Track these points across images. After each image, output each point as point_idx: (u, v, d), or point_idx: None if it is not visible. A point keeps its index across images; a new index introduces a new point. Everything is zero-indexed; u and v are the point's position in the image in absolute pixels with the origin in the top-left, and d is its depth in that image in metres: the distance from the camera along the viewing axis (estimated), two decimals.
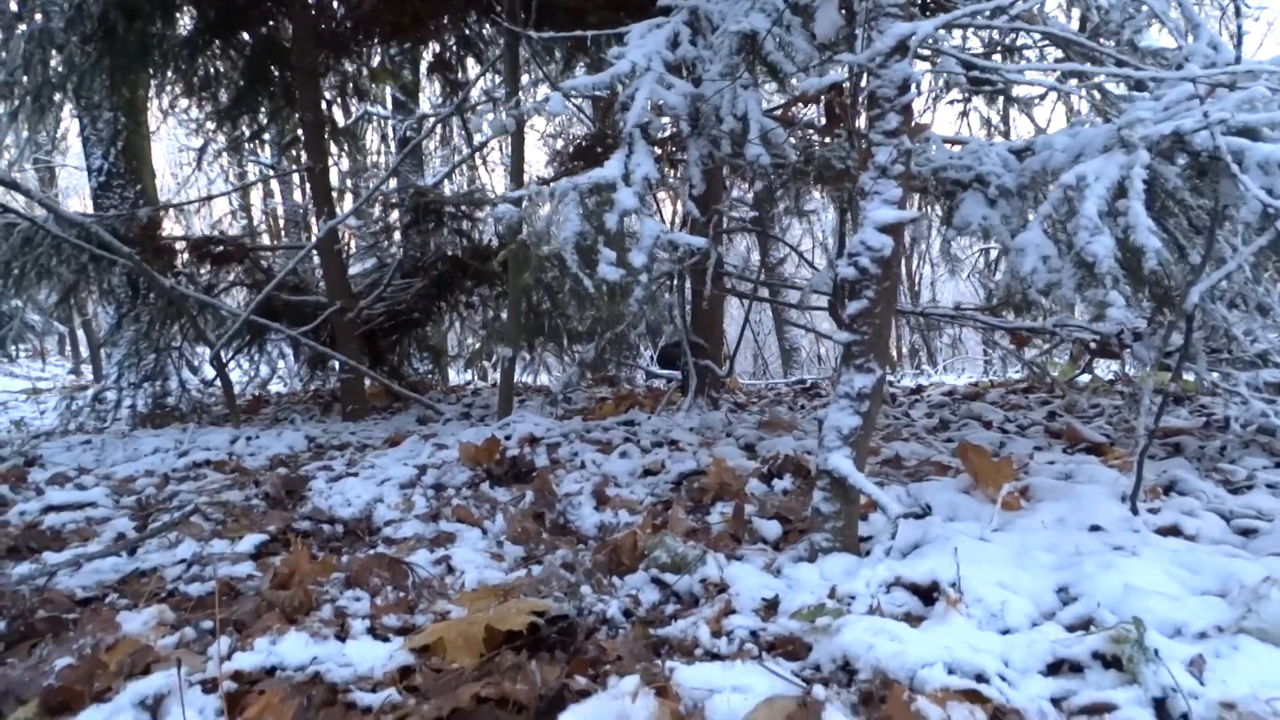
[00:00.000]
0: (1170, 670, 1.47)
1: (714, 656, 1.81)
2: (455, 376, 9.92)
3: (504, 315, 6.53)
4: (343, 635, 1.97)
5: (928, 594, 1.96)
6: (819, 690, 1.58)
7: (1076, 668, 1.59)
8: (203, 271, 6.31)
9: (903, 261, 13.89)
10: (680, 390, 5.36)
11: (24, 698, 1.58)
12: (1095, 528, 2.26)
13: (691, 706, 1.50)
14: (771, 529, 2.65)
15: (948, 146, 3.19)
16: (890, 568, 2.05)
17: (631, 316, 4.60)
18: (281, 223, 15.46)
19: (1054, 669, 1.60)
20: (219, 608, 2.11)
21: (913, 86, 2.12)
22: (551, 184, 2.93)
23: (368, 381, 6.11)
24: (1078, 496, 2.51)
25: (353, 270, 7.05)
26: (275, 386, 7.93)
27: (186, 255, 6.21)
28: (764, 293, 9.56)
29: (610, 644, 1.92)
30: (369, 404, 6.09)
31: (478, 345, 8.20)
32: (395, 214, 7.35)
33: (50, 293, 5.75)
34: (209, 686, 1.61)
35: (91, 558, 2.52)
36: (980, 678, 1.56)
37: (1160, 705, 1.42)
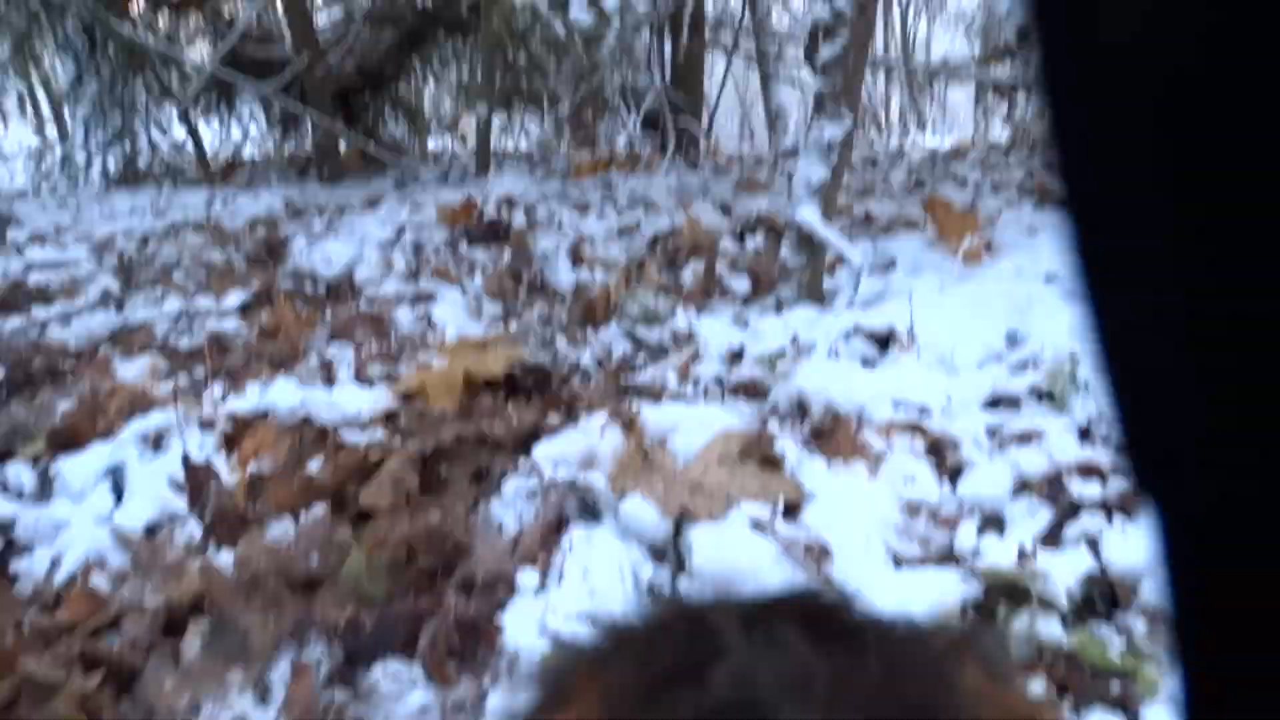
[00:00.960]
0: (1097, 400, 1.58)
1: (680, 400, 1.92)
2: (433, 144, 9.66)
3: (479, 76, 6.31)
4: (330, 382, 2.07)
5: (884, 341, 2.05)
6: (774, 425, 1.70)
7: (1014, 402, 1.70)
8: (160, 21, 5.97)
9: (897, 16, 13.17)
10: (659, 151, 5.28)
11: (32, 435, 1.69)
12: (1051, 277, 2.33)
13: (655, 441, 1.61)
14: (741, 284, 2.71)
15: None
16: (851, 317, 2.14)
17: (606, 67, 4.41)
18: None
19: (994, 404, 1.72)
20: (210, 358, 2.20)
21: None
22: None
23: (344, 144, 5.96)
24: (1039, 249, 2.57)
25: (320, 23, 6.67)
26: (249, 152, 7.73)
27: (142, 2, 5.85)
28: (749, 50, 9.17)
29: (583, 389, 2.03)
30: (345, 167, 5.97)
31: (454, 106, 7.93)
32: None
33: (1, 43, 5.46)
34: (206, 424, 1.71)
35: (81, 312, 2.58)
36: (923, 412, 1.68)
37: (1085, 432, 1.55)
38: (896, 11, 13.53)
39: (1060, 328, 1.93)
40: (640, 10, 4.04)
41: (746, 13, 4.90)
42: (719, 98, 5.32)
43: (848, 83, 2.14)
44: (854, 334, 2.07)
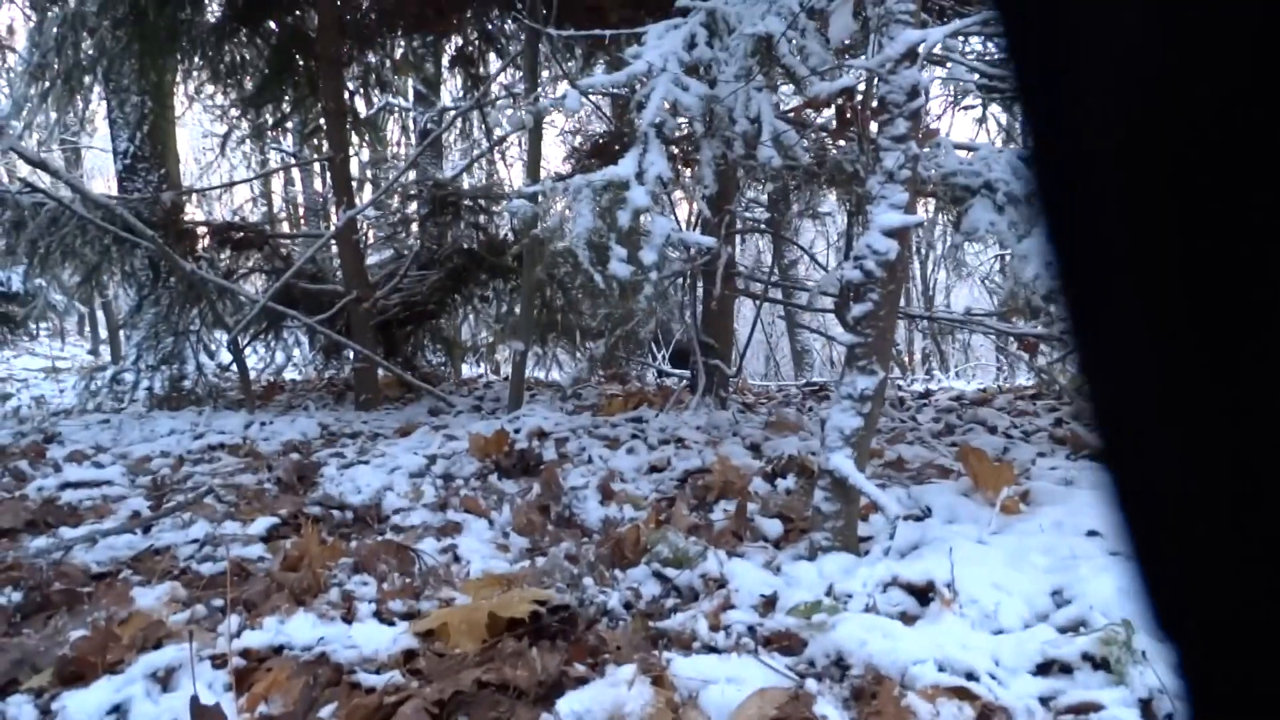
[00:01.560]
0: (1157, 672, 1.48)
1: (711, 650, 1.84)
2: (468, 370, 9.97)
3: (517, 309, 6.57)
4: (349, 618, 2.01)
5: (923, 594, 1.98)
6: (811, 684, 1.61)
7: (1066, 668, 1.61)
8: (222, 257, 6.37)
9: (916, 266, 13.79)
10: (689, 389, 5.39)
11: (39, 666, 1.63)
12: (1093, 533, 2.27)
13: (686, 696, 1.52)
14: (773, 527, 2.67)
15: (959, 153, 3.21)
16: (888, 567, 2.08)
17: (642, 313, 4.61)
18: (301, 211, 15.55)
19: (1044, 669, 1.62)
20: (230, 587, 2.15)
21: (921, 93, 2.13)
22: (566, 180, 2.96)
23: (381, 372, 6.16)
24: (1077, 502, 2.52)
25: (370, 260, 7.09)
26: (290, 374, 8.00)
27: (207, 240, 6.27)
28: (775, 294, 9.54)
29: (610, 634, 1.95)
30: (382, 394, 6.14)
31: (491, 339, 8.24)
32: (413, 206, 7.39)
33: (73, 273, 5.82)
34: (219, 662, 1.65)
35: (107, 534, 2.57)
36: (970, 676, 1.58)
37: (1146, 706, 1.44)
38: (916, 264, 14.20)
39: (1107, 588, 1.86)
40: (676, 264, 4.31)
41: (775, 267, 5.19)
42: (749, 340, 5.49)
43: (879, 338, 2.20)
44: (892, 585, 2.00)
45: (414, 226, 7.28)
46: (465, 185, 8.71)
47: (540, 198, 3.06)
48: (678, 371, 7.35)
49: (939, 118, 6.41)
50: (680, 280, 5.12)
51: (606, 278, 2.85)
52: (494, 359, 9.52)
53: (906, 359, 14.82)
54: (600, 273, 2.82)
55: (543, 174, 5.62)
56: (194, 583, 2.25)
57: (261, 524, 2.72)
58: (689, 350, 5.34)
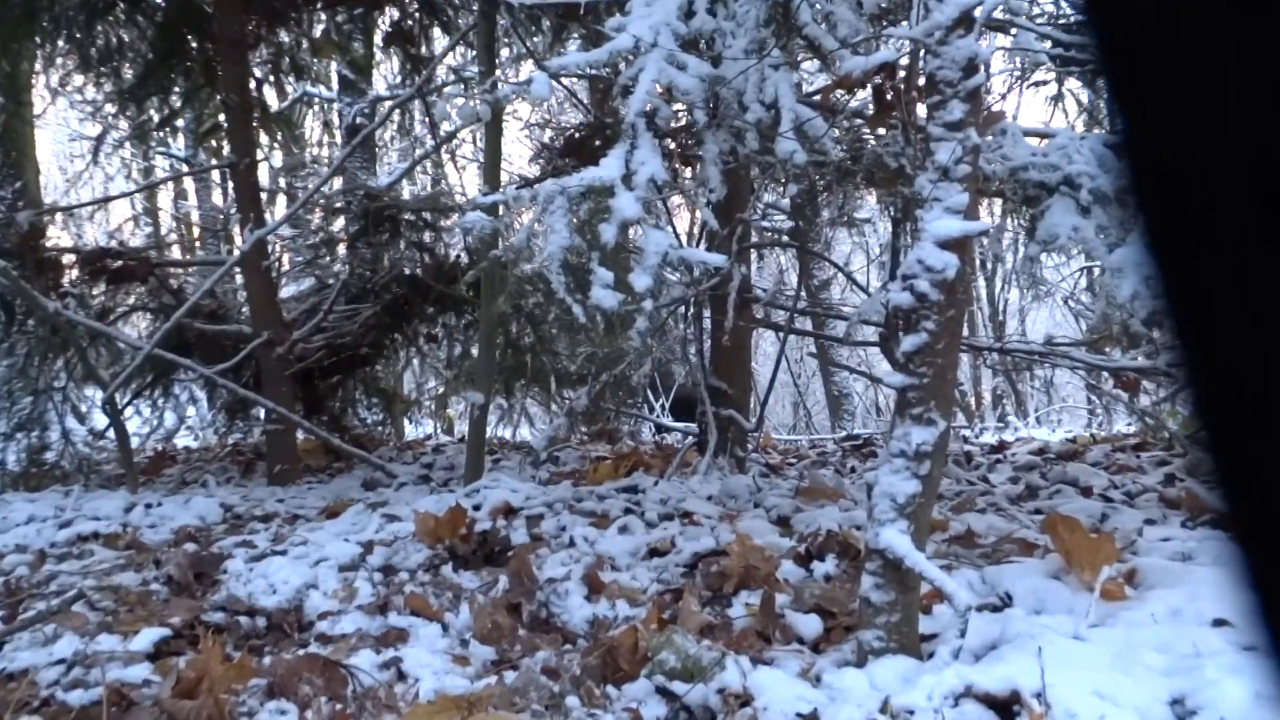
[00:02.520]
0: None
1: None
2: (412, 429, 9.98)
3: (474, 351, 6.57)
4: None
5: (1006, 707, 1.97)
6: None
7: None
8: (96, 292, 6.37)
9: (981, 284, 13.89)
10: (696, 448, 5.38)
11: None
12: (1220, 622, 2.27)
13: None
14: (810, 625, 2.65)
15: (1030, 141, 3.24)
16: (959, 674, 2.06)
17: (634, 353, 4.62)
18: (196, 233, 15.62)
19: None
20: None
21: (980, 67, 2.16)
22: (535, 186, 2.99)
23: (301, 435, 6.14)
24: (1198, 583, 2.52)
25: (285, 293, 7.11)
26: (184, 440, 7.98)
27: (76, 271, 6.28)
28: (804, 324, 9.57)
29: None
30: (302, 464, 6.12)
31: (441, 389, 8.24)
32: (340, 222, 7.44)
33: None
34: None
35: None
36: None
37: None
38: (981, 282, 14.31)
39: (1240, 694, 1.85)
40: (676, 289, 4.32)
41: (802, 289, 5.23)
42: (771, 383, 5.51)
43: (937, 378, 2.21)
44: (965, 697, 1.99)
45: (341, 249, 7.32)
46: (405, 195, 8.79)
47: (501, 209, 3.09)
48: (681, 426, 7.35)
49: (1003, 98, 6.49)
50: (682, 310, 5.14)
51: (588, 309, 2.87)
52: (445, 415, 9.50)
53: (973, 402, 14.89)
54: (580, 303, 2.83)
55: (504, 179, 5.66)
56: (59, 717, 2.22)
57: (147, 637, 2.69)
58: (694, 398, 5.35)
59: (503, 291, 3.58)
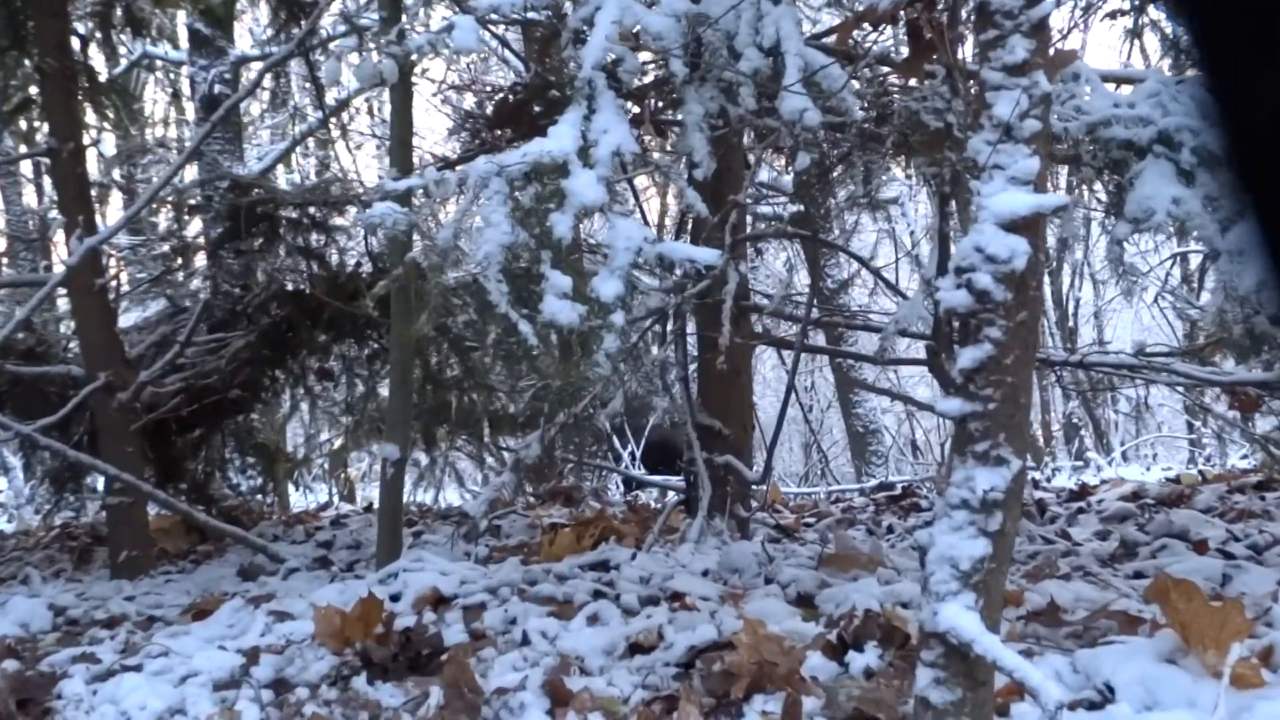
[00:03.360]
0: None
1: None
2: (300, 497, 9.90)
3: (383, 391, 6.53)
4: None
5: None
6: None
7: None
8: None
9: (1046, 278, 14.07)
10: (683, 508, 5.37)
11: None
12: None
13: None
14: None
15: (1110, 88, 3.27)
16: None
17: (600, 385, 4.59)
18: (3, 244, 15.49)
19: None
20: None
21: None
22: (462, 167, 2.98)
23: (154, 510, 6.08)
24: None
25: (126, 320, 7.05)
26: None
27: None
28: (817, 338, 9.61)
29: None
30: (156, 547, 6.06)
31: (338, 443, 8.18)
32: (197, 224, 7.40)
33: None
34: None
35: None
36: None
37: None
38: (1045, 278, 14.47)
39: None
40: (653, 298, 4.30)
41: (815, 294, 5.21)
42: (781, 418, 5.50)
43: (1006, 401, 2.21)
44: None
45: (200, 259, 7.28)
46: (284, 185, 8.76)
47: (417, 198, 3.08)
48: (658, 479, 7.36)
49: (1064, 36, 6.54)
50: (661, 326, 5.14)
51: (539, 327, 2.86)
52: (345, 478, 9.45)
53: (1040, 435, 14.95)
54: (528, 319, 2.83)
55: (417, 160, 5.66)
56: None
57: None
58: (673, 444, 5.36)
59: (423, 309, 3.54)
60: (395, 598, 4.02)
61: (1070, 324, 16.19)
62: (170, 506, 5.97)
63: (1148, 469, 10.24)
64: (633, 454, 10.00)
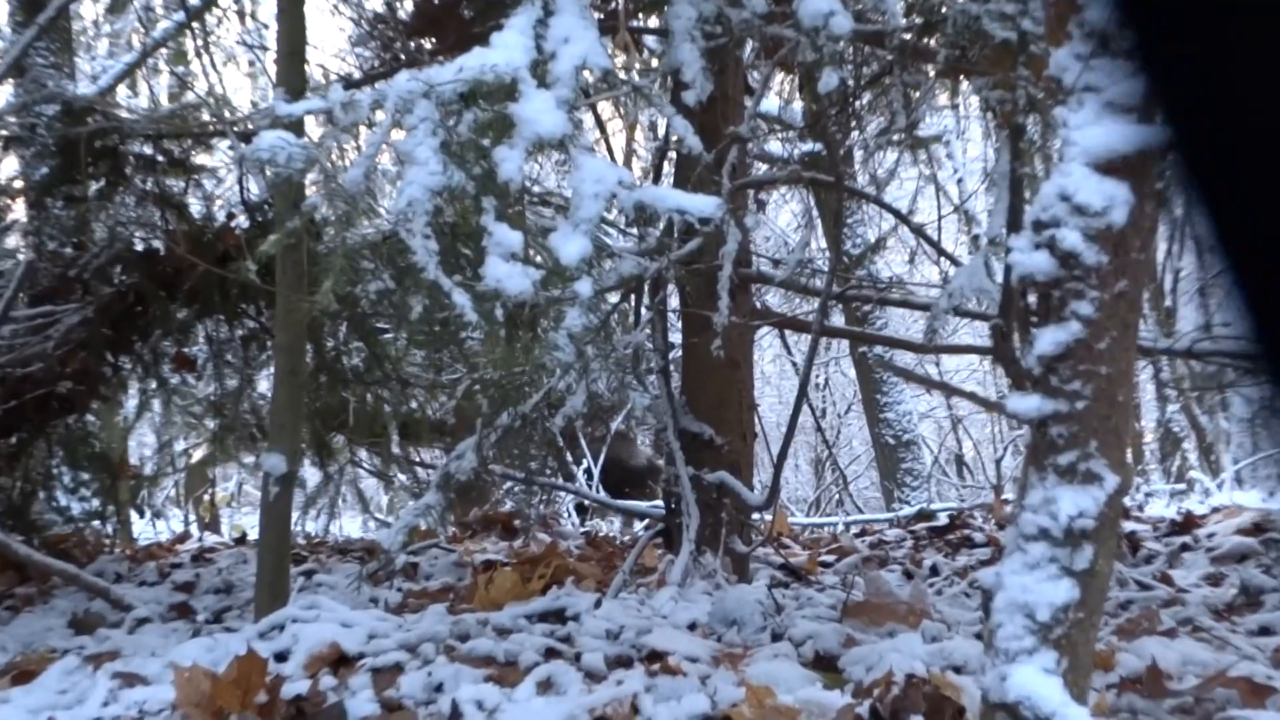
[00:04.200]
0: None
1: None
2: (149, 526, 9.87)
3: (264, 385, 6.50)
4: None
5: None
6: None
7: None
8: None
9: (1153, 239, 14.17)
10: (663, 540, 5.38)
11: None
12: None
13: None
14: None
15: None
16: None
17: (558, 377, 4.55)
18: None
19: None
20: None
21: None
22: (379, 84, 2.99)
23: None
24: None
25: None
26: None
27: None
28: (837, 320, 9.63)
29: None
30: None
31: (200, 452, 8.15)
32: (12, 163, 7.35)
33: None
34: None
35: None
36: None
37: None
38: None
39: None
40: (628, 263, 4.28)
41: (836, 258, 5.17)
42: (793, 423, 5.48)
43: (1102, 402, 2.23)
44: None
45: (19, 208, 7.24)
46: (130, 112, 8.68)
47: (319, 125, 3.09)
48: (632, 506, 7.35)
49: None
50: (635, 299, 5.14)
51: (479, 298, 2.86)
52: (210, 499, 9.42)
53: (1133, 450, 14.95)
54: (465, 287, 2.83)
55: (311, 76, 5.63)
56: None
57: None
58: (638, 466, 5.34)
59: (323, 275, 3.51)
60: (282, 656, 4.00)
61: (1168, 302, 16.21)
62: None
63: (1271, 494, 10.28)
64: (589, 472, 9.99)
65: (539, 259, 2.96)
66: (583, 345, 3.28)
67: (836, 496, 16.87)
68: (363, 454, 7.10)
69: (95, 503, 7.62)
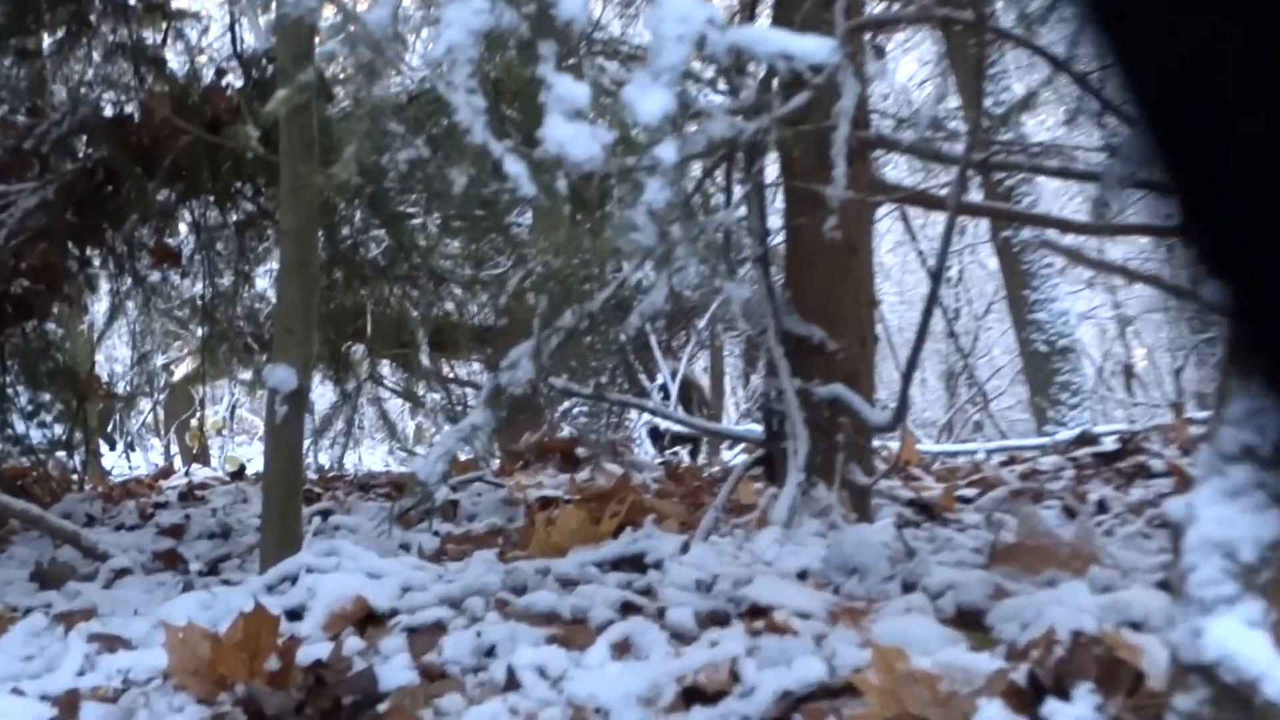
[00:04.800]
0: None
1: None
2: (122, 459, 9.93)
3: (263, 282, 6.50)
4: None
5: None
6: None
7: None
8: None
9: None
10: (763, 470, 5.35)
11: None
12: None
13: None
14: None
15: None
16: None
17: (635, 266, 4.47)
18: None
19: None
20: None
21: None
22: None
23: None
24: None
25: None
26: None
27: None
28: (975, 194, 9.58)
29: None
30: None
31: (183, 367, 8.18)
32: None
33: None
34: None
35: None
36: None
37: None
38: None
39: None
40: (719, 123, 4.18)
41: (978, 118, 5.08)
42: (925, 325, 5.42)
43: None
44: None
45: None
46: None
47: None
48: (725, 429, 7.33)
49: None
50: (726, 169, 5.09)
51: (535, 167, 2.83)
52: (195, 425, 9.48)
53: None
54: (515, 152, 2.80)
55: None
56: None
57: None
58: (766, 379, 5.30)
59: (352, 136, 3.47)
60: (295, 614, 4.01)
61: None
62: None
63: None
64: (664, 389, 9.94)
65: (610, 119, 2.93)
66: (667, 225, 3.22)
67: (973, 418, 16.83)
68: (384, 368, 7.10)
69: (59, 429, 7.64)
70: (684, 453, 9.04)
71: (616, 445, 7.56)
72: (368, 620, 3.97)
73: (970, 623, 3.78)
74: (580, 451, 7.27)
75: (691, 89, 2.96)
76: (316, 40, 3.96)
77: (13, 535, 6.20)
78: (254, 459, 10.99)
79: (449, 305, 6.66)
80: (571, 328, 5.09)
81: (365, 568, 4.31)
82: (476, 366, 8.15)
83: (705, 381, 15.20)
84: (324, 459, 7.92)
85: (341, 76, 3.67)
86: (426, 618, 3.96)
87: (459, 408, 6.76)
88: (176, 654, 3.63)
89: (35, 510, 5.95)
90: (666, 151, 2.85)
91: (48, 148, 6.44)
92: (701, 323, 10.07)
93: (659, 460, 7.72)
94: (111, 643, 4.01)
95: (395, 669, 3.64)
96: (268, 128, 4.53)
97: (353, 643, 3.81)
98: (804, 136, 4.55)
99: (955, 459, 9.28)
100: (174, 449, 10.17)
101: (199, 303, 7.19)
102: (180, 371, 8.56)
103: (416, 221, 6.20)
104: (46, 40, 6.56)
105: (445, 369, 7.04)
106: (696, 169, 4.75)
